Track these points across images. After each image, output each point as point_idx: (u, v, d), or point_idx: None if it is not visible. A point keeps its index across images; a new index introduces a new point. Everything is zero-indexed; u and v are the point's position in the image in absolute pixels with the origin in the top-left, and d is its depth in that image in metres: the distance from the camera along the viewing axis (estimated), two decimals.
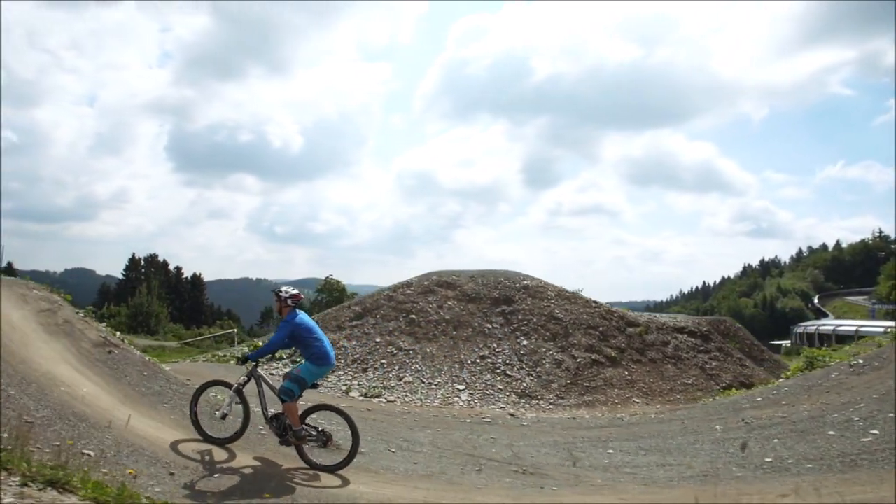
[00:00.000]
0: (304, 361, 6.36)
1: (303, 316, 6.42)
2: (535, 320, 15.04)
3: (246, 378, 6.45)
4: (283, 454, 6.50)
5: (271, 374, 12.69)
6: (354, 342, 14.37)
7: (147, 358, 9.24)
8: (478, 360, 13.84)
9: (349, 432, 6.21)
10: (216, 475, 5.74)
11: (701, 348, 15.75)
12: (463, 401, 12.51)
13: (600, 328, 15.25)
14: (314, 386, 6.50)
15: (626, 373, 14.17)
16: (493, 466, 7.33)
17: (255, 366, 6.52)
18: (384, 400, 12.16)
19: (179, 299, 50.95)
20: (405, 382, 13.02)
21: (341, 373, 13.30)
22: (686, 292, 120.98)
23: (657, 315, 18.71)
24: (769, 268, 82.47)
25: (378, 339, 14.40)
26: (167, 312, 41.50)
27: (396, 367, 13.50)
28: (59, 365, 7.47)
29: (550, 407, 12.58)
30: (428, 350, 14.08)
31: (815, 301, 76.70)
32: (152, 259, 51.58)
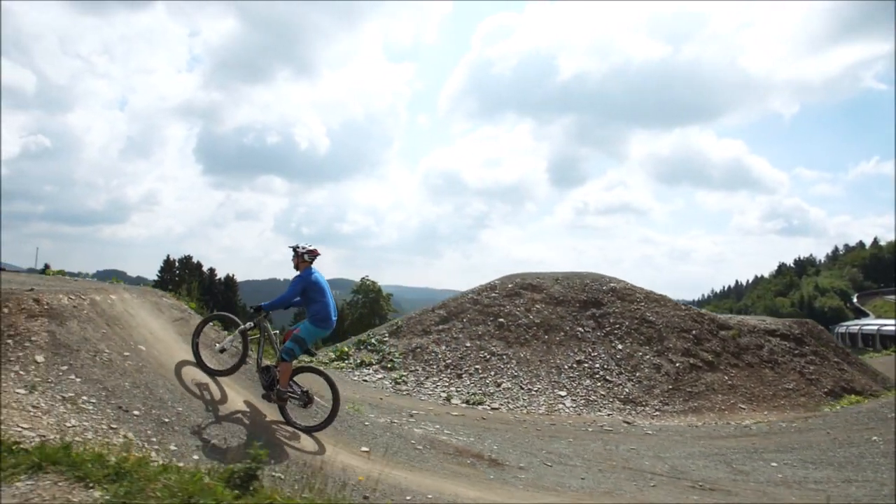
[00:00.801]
0: (304, 321, 6.45)
1: (318, 274, 6.47)
2: (627, 324, 14.61)
3: (252, 324, 6.52)
4: (270, 407, 6.44)
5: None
6: (444, 347, 14.05)
7: None
8: (574, 365, 13.46)
9: (330, 396, 6.30)
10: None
11: (796, 352, 15.18)
12: (568, 407, 12.13)
13: (693, 331, 14.76)
14: (309, 352, 6.77)
15: (727, 378, 13.67)
16: (662, 481, 6.96)
17: (265, 317, 6.52)
18: (488, 407, 11.83)
19: (213, 300, 51.11)
20: (504, 389, 12.67)
21: (436, 379, 13.00)
22: (717, 291, 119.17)
23: (745, 317, 18.13)
24: (805, 266, 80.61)
25: (468, 344, 14.06)
26: (205, 314, 41.38)
27: (492, 373, 13.16)
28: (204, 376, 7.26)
29: (657, 413, 12.16)
30: (522, 355, 13.72)
31: (855, 300, 74.95)
32: (187, 260, 51.70)
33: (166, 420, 5.27)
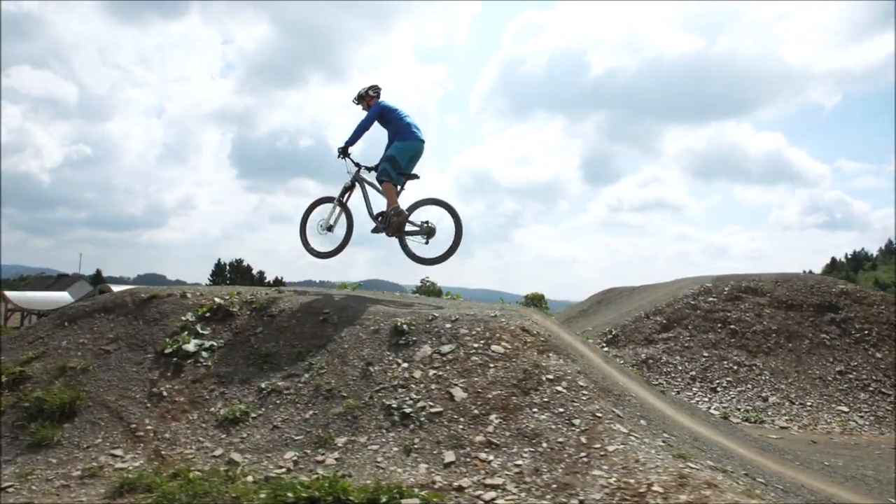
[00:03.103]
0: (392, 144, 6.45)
1: (387, 101, 6.60)
2: (876, 329, 13.13)
3: (350, 184, 6.63)
4: None
5: None
6: (678, 357, 12.67)
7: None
8: (837, 377, 12.00)
9: (453, 232, 6.22)
10: None
11: None
12: (859, 426, 10.69)
13: None
14: (412, 176, 6.52)
15: None
16: None
17: (359, 170, 6.62)
18: (774, 425, 10.43)
19: None
20: (774, 404, 11.26)
21: (689, 393, 11.62)
22: None
23: None
24: (861, 261, 77.84)
25: (706, 354, 12.66)
26: None
27: (748, 386, 11.74)
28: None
29: None
30: (772, 365, 12.29)
31: None
32: (238, 264, 50.91)
33: None
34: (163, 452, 4.53)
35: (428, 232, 6.34)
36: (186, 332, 5.75)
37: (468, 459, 4.39)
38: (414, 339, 5.69)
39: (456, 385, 5.15)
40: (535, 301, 32.58)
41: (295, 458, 4.49)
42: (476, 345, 5.60)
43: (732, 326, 13.31)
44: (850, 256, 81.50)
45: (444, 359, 5.46)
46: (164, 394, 5.14)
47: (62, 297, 34.24)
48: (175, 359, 5.48)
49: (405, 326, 5.78)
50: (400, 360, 5.47)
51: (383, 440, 4.65)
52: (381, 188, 6.44)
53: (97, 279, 47.85)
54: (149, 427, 4.79)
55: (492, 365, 5.37)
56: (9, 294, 32.10)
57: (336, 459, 4.45)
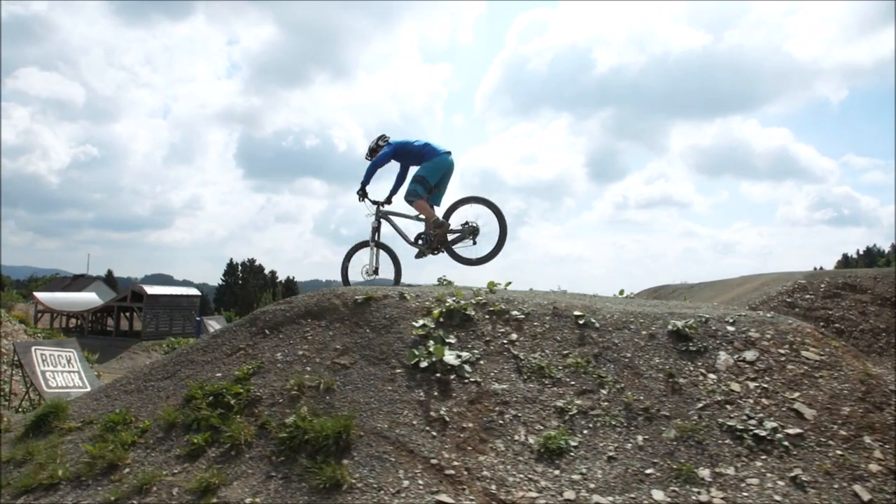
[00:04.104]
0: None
1: (398, 138, 6.57)
2: None
3: (376, 222, 6.51)
4: None
5: None
6: None
7: None
8: None
9: (496, 224, 6.07)
10: None
11: None
12: None
13: None
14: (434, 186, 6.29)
15: None
16: None
17: (379, 206, 6.53)
18: None
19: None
20: None
21: None
22: None
23: None
24: (874, 257, 79.16)
25: None
26: None
27: None
28: None
29: None
30: (888, 365, 11.78)
31: None
32: (250, 264, 49.45)
33: None
34: (499, 495, 3.56)
35: (472, 232, 6.16)
36: (432, 342, 4.76)
37: (890, 497, 3.55)
38: (703, 345, 4.83)
39: (795, 400, 4.30)
40: None
41: (668, 498, 3.57)
42: (781, 351, 4.77)
43: (837, 325, 12.75)
44: (861, 253, 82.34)
45: (754, 368, 4.61)
46: (447, 418, 4.15)
47: (90, 298, 32.60)
48: (436, 374, 4.49)
49: (687, 330, 4.91)
50: (703, 371, 4.59)
51: (755, 471, 3.77)
52: (413, 209, 6.29)
53: (109, 280, 45.94)
54: (455, 462, 3.80)
55: (817, 375, 4.54)
56: (39, 295, 30.26)
57: (722, 499, 3.55)
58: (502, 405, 4.31)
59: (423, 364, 4.54)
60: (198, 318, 26.06)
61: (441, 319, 5.05)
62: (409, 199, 6.26)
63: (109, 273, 52.54)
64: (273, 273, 50.51)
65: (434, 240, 6.18)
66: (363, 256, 6.72)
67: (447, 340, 4.82)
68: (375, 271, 6.54)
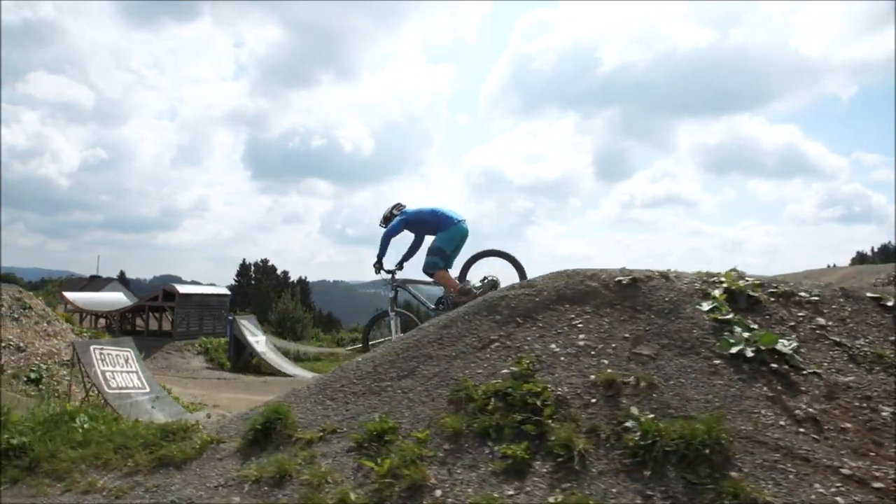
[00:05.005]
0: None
1: (410, 207, 6.57)
2: None
3: (393, 292, 6.51)
4: None
5: None
6: None
7: None
8: None
9: (515, 272, 6.06)
10: None
11: None
12: None
13: None
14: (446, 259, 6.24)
15: None
16: None
17: (394, 274, 6.51)
18: None
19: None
20: None
21: None
22: None
23: None
24: (891, 254, 79.27)
25: None
26: (311, 317, 39.18)
27: None
28: None
29: None
30: None
31: None
32: (263, 264, 48.59)
33: None
34: None
35: (493, 286, 6.05)
36: (739, 328, 4.01)
37: None
38: None
39: None
40: None
41: None
42: None
43: None
44: (876, 250, 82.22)
45: None
46: (818, 418, 3.40)
47: (118, 297, 31.66)
48: (765, 365, 3.74)
49: None
50: None
51: None
52: (435, 281, 6.31)
53: (122, 280, 44.83)
54: (872, 471, 3.05)
55: None
56: (69, 295, 29.24)
57: None
58: (864, 399, 3.57)
59: (751, 353, 3.78)
60: (229, 318, 25.11)
61: (727, 302, 4.30)
62: (429, 271, 6.30)
63: (122, 274, 51.62)
64: (286, 273, 49.66)
65: (456, 298, 6.06)
66: (384, 327, 6.75)
67: (750, 326, 4.07)
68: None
